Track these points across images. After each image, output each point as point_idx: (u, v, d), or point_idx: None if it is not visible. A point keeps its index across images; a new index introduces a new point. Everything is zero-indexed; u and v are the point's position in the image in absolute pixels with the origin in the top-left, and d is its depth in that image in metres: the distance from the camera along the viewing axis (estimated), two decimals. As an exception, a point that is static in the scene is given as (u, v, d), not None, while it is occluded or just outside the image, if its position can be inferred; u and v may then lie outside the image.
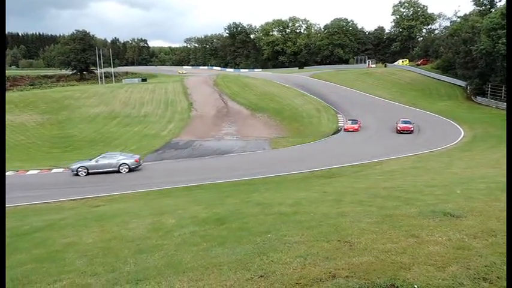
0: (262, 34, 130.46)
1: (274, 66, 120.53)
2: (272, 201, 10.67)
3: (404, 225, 6.53)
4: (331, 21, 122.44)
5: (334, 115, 44.62)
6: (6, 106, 48.30)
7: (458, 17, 74.69)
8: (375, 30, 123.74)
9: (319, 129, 39.49)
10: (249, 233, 7.00)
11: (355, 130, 36.52)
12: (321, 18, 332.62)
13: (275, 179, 19.84)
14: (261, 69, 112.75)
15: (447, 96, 55.10)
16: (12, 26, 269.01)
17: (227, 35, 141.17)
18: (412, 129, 34.18)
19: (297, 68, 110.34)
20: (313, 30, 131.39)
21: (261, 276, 4.65)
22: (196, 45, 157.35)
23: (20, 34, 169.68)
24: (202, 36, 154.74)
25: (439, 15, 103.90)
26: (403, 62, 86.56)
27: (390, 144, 30.29)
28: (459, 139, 31.10)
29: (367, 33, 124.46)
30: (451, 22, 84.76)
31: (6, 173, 24.47)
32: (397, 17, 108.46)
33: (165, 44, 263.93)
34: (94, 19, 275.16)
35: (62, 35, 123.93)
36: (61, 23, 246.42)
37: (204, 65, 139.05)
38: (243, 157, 28.64)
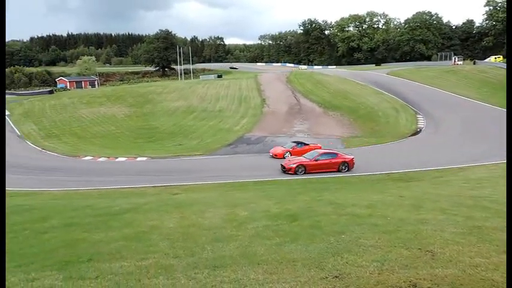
0: (338, 30, 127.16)
1: (349, 63, 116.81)
2: (345, 202, 10.44)
3: (495, 239, 5.97)
4: (413, 15, 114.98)
5: (413, 115, 41.93)
6: (101, 99, 53.79)
7: None
8: (463, 24, 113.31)
9: (396, 129, 37.44)
10: (322, 231, 6.96)
11: (278, 156, 25.25)
12: (401, 13, 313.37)
13: (347, 179, 19.32)
14: (335, 66, 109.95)
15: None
16: (107, 27, 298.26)
17: (301, 31, 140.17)
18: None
19: (374, 65, 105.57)
20: (392, 25, 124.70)
21: (336, 276, 4.60)
22: (271, 42, 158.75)
23: (113, 35, 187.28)
24: (277, 33, 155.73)
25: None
26: (495, 58, 77.86)
27: (476, 148, 27.61)
28: None
29: (453, 27, 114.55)
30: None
31: (100, 159, 27.32)
32: (490, 9, 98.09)
33: (240, 42, 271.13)
34: (176, 19, 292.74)
35: (147, 34, 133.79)
36: (147, 24, 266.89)
37: (278, 62, 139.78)
38: (314, 155, 28.30)
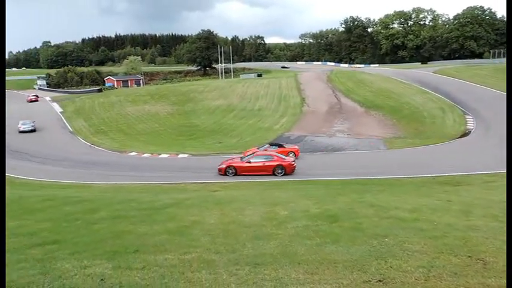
0: (381, 27, 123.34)
1: (393, 62, 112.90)
2: (387, 205, 10.13)
3: (556, 249, 5.52)
4: (463, 11, 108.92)
5: (462, 116, 39.79)
6: (145, 97, 55.92)
7: None
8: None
9: (443, 130, 35.72)
10: (364, 234, 6.80)
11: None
12: (450, 8, 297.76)
13: (390, 181, 18.70)
14: (377, 65, 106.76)
15: None
16: (152, 28, 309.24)
17: (343, 29, 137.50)
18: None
19: (419, 63, 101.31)
20: (440, 22, 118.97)
21: (380, 280, 4.49)
22: (311, 40, 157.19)
23: (157, 35, 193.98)
24: (317, 32, 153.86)
25: None
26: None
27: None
28: None
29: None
30: None
31: (144, 155, 28.44)
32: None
33: (280, 41, 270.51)
34: (218, 19, 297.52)
35: (190, 35, 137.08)
36: (190, 24, 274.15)
37: (318, 61, 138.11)
38: (354, 156, 27.73)
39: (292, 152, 24.10)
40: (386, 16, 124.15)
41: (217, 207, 10.26)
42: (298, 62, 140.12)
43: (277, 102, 49.33)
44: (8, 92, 75.57)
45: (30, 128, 38.28)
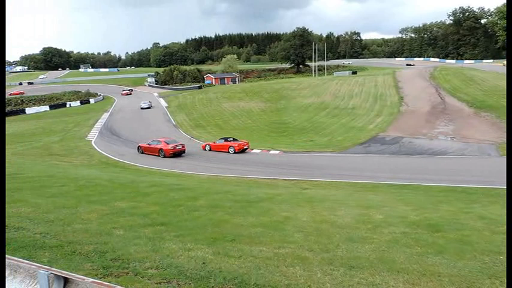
0: (498, 18, 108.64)
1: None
2: (500, 218, 8.99)
3: None
4: None
5: None
6: (240, 94, 58.30)
7: None
8: None
9: None
10: (473, 248, 6.17)
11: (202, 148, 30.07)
12: None
13: (503, 191, 16.50)
14: (491, 60, 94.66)
15: None
16: (250, 27, 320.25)
17: (451, 21, 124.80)
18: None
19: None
20: None
21: (494, 301, 4.03)
22: (413, 35, 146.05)
23: (253, 34, 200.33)
24: (420, 25, 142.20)
25: None
26: None
27: None
28: None
29: None
30: None
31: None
32: None
33: (378, 36, 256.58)
34: (314, 16, 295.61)
35: (284, 33, 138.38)
36: (286, 22, 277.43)
37: (420, 57, 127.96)
38: (459, 161, 25.09)
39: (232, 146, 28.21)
40: (505, 4, 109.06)
41: (309, 205, 10.27)
42: (396, 59, 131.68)
43: (373, 101, 47.08)
44: (125, 88, 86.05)
45: (147, 106, 54.89)
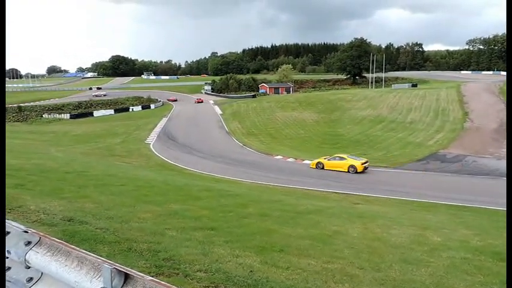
0: None
1: None
2: None
3: None
4: None
5: None
6: (294, 104, 58.28)
7: None
8: None
9: None
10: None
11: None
12: None
13: None
14: None
15: None
16: (307, 37, 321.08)
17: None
18: None
19: None
20: None
21: None
22: (481, 47, 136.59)
23: (309, 44, 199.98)
24: (491, 37, 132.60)
25: None
26: None
27: None
28: None
29: None
30: None
31: (288, 159, 29.68)
32: None
33: (442, 48, 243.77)
34: (376, 27, 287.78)
35: (341, 43, 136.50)
36: (348, 33, 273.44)
37: (488, 70, 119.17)
38: (532, 185, 22.82)
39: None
40: None
41: (360, 221, 9.92)
42: (462, 72, 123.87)
43: (434, 116, 44.59)
44: (182, 95, 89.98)
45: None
